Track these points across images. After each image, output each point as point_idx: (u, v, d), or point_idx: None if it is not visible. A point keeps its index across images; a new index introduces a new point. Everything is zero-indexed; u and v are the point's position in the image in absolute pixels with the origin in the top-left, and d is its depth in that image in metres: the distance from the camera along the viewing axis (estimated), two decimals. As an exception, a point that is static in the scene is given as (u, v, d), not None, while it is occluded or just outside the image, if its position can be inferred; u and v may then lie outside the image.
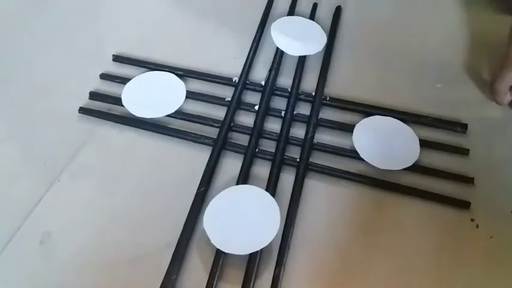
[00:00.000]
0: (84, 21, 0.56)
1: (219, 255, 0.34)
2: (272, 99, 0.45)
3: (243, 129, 0.43)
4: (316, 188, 0.39)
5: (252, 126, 0.43)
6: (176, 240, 0.35)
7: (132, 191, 0.40)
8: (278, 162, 0.40)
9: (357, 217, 0.37)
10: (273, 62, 0.48)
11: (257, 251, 0.34)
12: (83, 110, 0.45)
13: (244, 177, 0.39)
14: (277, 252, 0.35)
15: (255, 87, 0.46)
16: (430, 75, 0.47)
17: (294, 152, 0.41)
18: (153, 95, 0.46)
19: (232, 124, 0.43)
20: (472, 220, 0.37)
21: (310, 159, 0.41)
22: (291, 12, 0.54)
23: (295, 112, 0.44)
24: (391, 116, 0.43)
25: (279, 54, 0.49)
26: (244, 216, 0.36)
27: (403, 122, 0.42)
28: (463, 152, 0.41)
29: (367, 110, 0.44)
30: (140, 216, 0.38)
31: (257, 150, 0.41)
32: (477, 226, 0.36)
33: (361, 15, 0.54)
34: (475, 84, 0.46)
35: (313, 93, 0.45)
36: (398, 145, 0.41)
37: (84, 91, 0.47)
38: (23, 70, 0.51)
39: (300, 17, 0.53)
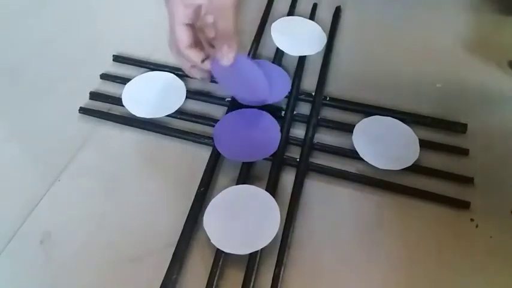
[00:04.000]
0: (84, 22, 0.56)
1: (219, 255, 0.34)
2: (272, 99, 0.45)
3: (243, 129, 0.43)
4: (316, 188, 0.39)
5: (252, 126, 0.43)
6: (176, 240, 0.35)
7: (132, 190, 0.40)
8: (278, 162, 0.40)
9: (357, 217, 0.37)
10: (273, 62, 0.48)
11: (257, 251, 0.34)
12: (83, 110, 0.45)
13: (244, 177, 0.39)
14: (277, 252, 0.35)
15: (255, 87, 0.46)
16: (430, 75, 0.47)
17: (294, 152, 0.41)
18: (153, 95, 0.46)
19: (232, 124, 0.43)
20: (472, 220, 0.37)
21: (310, 159, 0.41)
22: (291, 12, 0.54)
23: (295, 112, 0.44)
24: (391, 116, 0.43)
25: (279, 54, 0.49)
26: (244, 216, 0.36)
27: (403, 122, 0.42)
28: (462, 152, 0.41)
29: (367, 110, 0.44)
30: (140, 216, 0.38)
31: (257, 150, 0.41)
32: (477, 226, 0.36)
33: (361, 15, 0.54)
34: (475, 84, 0.46)
35: (313, 93, 0.45)
36: (398, 145, 0.41)
37: (84, 91, 0.47)
38: (23, 70, 0.51)
39: (300, 17, 0.53)
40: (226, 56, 0.37)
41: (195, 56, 0.39)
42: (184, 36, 0.38)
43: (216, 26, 0.37)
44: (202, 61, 0.39)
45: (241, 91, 0.42)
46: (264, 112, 0.43)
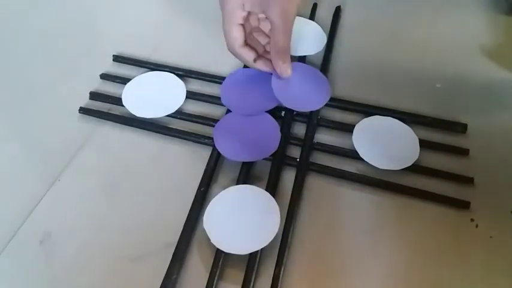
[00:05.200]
0: (84, 21, 0.56)
1: (219, 255, 0.34)
2: (272, 99, 0.45)
3: (243, 129, 0.43)
4: (316, 188, 0.39)
5: (252, 126, 0.43)
6: (176, 240, 0.35)
7: (132, 190, 0.40)
8: (278, 162, 0.40)
9: (357, 217, 0.37)
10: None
11: (257, 251, 0.34)
12: (83, 110, 0.45)
13: (244, 177, 0.39)
14: (277, 252, 0.35)
15: (255, 87, 0.46)
16: (430, 75, 0.47)
17: (294, 152, 0.41)
18: (153, 95, 0.46)
19: (232, 124, 0.43)
20: (472, 220, 0.37)
21: (310, 159, 0.41)
22: (291, 12, 0.54)
23: (295, 112, 0.44)
24: (391, 116, 0.43)
25: (279, 54, 0.49)
26: (244, 216, 0.36)
27: (403, 122, 0.42)
28: (462, 152, 0.41)
29: (367, 110, 0.44)
30: (140, 216, 0.38)
31: (257, 150, 0.41)
32: (477, 226, 0.36)
33: (361, 15, 0.54)
34: (475, 84, 0.46)
35: (313, 93, 0.45)
36: (398, 145, 0.41)
37: (84, 91, 0.47)
38: (23, 70, 0.51)
39: (300, 17, 0.53)
40: (285, 71, 0.41)
41: (248, 55, 0.42)
42: (239, 36, 0.41)
43: (275, 40, 0.40)
44: (254, 60, 0.42)
45: (296, 99, 0.43)
46: (264, 112, 0.43)
